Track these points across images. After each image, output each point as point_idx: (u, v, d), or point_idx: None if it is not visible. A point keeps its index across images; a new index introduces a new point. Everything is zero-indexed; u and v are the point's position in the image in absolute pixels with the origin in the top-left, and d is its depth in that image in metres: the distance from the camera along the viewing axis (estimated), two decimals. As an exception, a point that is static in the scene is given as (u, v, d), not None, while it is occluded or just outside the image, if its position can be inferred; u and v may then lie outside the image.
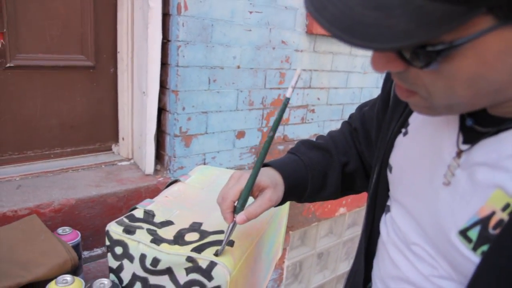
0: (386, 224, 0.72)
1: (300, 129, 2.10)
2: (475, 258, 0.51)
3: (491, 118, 0.52)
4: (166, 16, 1.46)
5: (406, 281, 0.64)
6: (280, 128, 1.98)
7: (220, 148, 1.74)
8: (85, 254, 1.36)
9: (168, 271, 0.86)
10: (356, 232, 3.06)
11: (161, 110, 1.59)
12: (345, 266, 3.11)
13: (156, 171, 1.59)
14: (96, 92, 1.55)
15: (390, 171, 0.71)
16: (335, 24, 0.40)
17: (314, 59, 2.02)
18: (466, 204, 0.53)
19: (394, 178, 0.70)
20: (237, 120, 1.77)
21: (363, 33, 0.39)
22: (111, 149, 1.67)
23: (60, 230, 1.11)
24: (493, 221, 0.49)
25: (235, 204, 0.74)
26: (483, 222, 0.50)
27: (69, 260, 0.97)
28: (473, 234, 0.51)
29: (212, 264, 0.81)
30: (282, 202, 0.81)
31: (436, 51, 0.40)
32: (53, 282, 0.89)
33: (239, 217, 0.72)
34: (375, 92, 2.44)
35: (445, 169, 0.57)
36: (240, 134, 1.80)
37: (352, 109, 2.34)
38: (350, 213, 2.81)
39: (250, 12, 1.65)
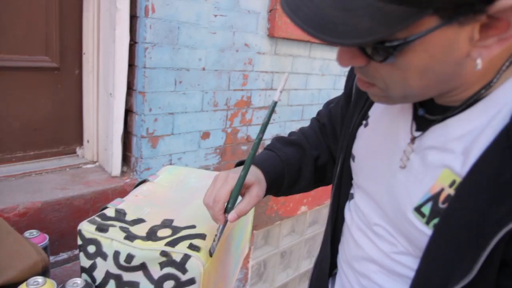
0: (350, 210, 0.78)
1: (263, 130, 2.14)
2: (428, 231, 0.57)
3: (439, 107, 0.60)
4: (133, 18, 1.47)
5: (369, 260, 0.70)
6: (243, 128, 2.02)
7: (186, 149, 1.76)
8: (51, 259, 1.34)
9: (142, 267, 0.87)
10: (317, 230, 3.14)
11: (128, 112, 1.59)
12: (307, 264, 3.19)
13: (122, 172, 1.59)
14: (60, 93, 1.53)
15: (353, 160, 0.77)
16: (308, 23, 0.46)
17: (275, 61, 2.08)
18: (420, 184, 0.60)
19: (356, 166, 0.76)
20: (202, 121, 1.79)
21: (333, 31, 0.45)
22: (75, 152, 1.65)
23: (27, 234, 1.10)
24: (442, 197, 0.56)
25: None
26: (434, 198, 0.57)
27: (40, 261, 0.96)
28: (426, 209, 0.58)
29: (186, 257, 0.84)
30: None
31: (393, 46, 0.47)
32: (24, 284, 0.88)
33: (231, 215, 0.75)
34: (333, 93, 2.53)
35: (401, 154, 0.64)
36: (205, 135, 1.83)
37: (311, 110, 2.42)
38: (311, 211, 2.88)
39: (215, 16, 1.69)
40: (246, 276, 2.53)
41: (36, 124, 1.49)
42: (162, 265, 0.86)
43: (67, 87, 1.54)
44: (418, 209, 0.59)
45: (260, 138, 0.75)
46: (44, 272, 0.98)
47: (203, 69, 1.71)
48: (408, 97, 0.56)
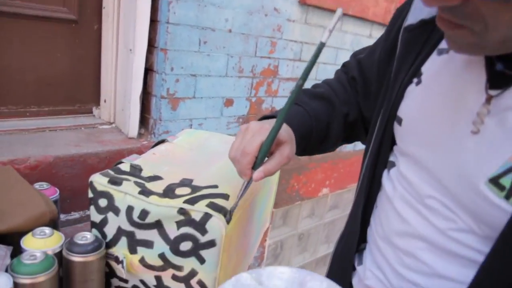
0: (391, 179, 0.68)
1: (288, 103, 2.05)
2: (507, 207, 0.48)
3: None
4: (157, -31, 1.37)
5: (417, 237, 0.61)
6: (269, 99, 1.92)
7: (208, 114, 1.67)
8: (62, 217, 1.28)
9: (157, 225, 0.79)
10: (337, 215, 3.04)
11: (147, 71, 1.50)
12: (324, 249, 3.10)
13: (139, 134, 1.51)
14: (78, 49, 1.45)
15: (400, 123, 0.66)
16: None
17: (305, 31, 1.96)
18: (496, 151, 0.50)
19: (404, 131, 0.66)
20: (226, 87, 1.70)
21: None
22: (91, 112, 1.58)
23: (37, 185, 1.03)
24: None
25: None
26: None
27: (48, 212, 0.89)
28: (506, 181, 0.48)
29: (207, 216, 0.75)
30: None
31: None
32: (30, 234, 0.82)
33: (257, 174, 0.65)
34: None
35: (472, 117, 0.54)
36: (229, 102, 1.73)
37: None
38: (332, 194, 2.79)
39: (245, -27, 1.58)
40: (262, 255, 2.45)
41: (51, 79, 1.41)
42: (180, 224, 0.77)
43: (85, 42, 1.46)
44: (494, 180, 0.49)
45: (300, 85, 0.62)
46: (52, 224, 0.91)
47: (230, 31, 1.61)
48: (507, 43, 0.45)
